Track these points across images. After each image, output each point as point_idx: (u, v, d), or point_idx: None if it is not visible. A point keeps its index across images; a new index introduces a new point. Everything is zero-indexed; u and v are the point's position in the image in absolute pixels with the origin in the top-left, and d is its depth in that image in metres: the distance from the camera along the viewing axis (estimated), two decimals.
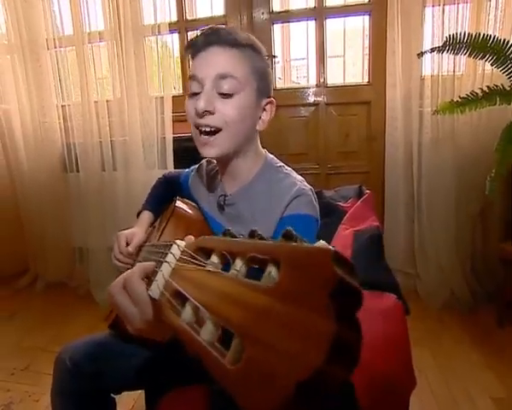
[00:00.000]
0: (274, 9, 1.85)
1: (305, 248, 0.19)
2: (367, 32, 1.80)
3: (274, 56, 1.89)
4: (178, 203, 0.85)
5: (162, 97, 1.67)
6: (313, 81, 1.85)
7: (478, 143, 1.44)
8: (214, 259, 0.29)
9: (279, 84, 2.47)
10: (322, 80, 1.82)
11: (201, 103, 0.66)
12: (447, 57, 1.51)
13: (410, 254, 1.69)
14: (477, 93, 1.20)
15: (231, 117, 0.67)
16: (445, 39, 1.29)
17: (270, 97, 0.73)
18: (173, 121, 1.66)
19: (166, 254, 0.36)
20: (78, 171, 1.82)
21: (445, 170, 1.52)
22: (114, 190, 1.79)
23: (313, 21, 1.82)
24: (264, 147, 0.81)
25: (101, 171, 1.79)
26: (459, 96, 1.23)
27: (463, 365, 1.25)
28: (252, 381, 0.18)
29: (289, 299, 0.18)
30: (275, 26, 1.89)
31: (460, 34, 1.24)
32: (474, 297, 1.59)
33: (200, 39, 0.69)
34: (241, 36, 0.68)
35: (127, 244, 0.85)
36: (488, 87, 1.20)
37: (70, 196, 1.87)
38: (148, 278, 0.38)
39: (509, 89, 1.17)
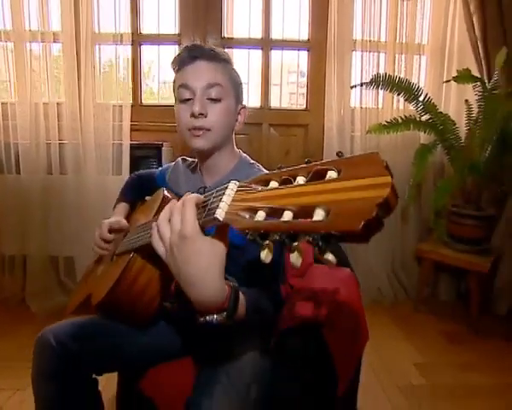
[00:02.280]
0: (224, 35, 2.08)
1: (359, 155, 0.37)
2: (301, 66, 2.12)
3: None
4: (166, 193, 0.95)
5: (121, 105, 1.75)
6: (254, 104, 2.10)
7: (397, 160, 1.82)
8: (273, 184, 0.45)
9: None
10: (266, 103, 2.08)
11: (197, 108, 0.81)
12: (371, 93, 1.89)
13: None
14: (397, 119, 1.56)
15: (219, 119, 0.84)
16: (371, 77, 1.65)
17: (242, 104, 0.91)
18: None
19: (220, 193, 0.50)
20: (18, 173, 1.74)
21: None
22: (62, 194, 1.75)
23: (257, 50, 2.09)
24: None
25: (46, 174, 1.75)
26: (385, 121, 1.59)
27: (390, 341, 1.54)
28: (344, 216, 0.34)
29: (354, 177, 0.35)
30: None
31: (382, 74, 1.61)
32: (394, 294, 1.93)
33: (186, 54, 0.85)
34: (219, 51, 0.87)
35: (110, 232, 0.93)
36: (405, 116, 1.57)
37: (5, 199, 1.77)
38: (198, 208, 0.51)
39: (419, 119, 1.55)
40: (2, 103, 1.76)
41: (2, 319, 1.69)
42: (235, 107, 0.88)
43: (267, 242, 0.43)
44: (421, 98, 1.59)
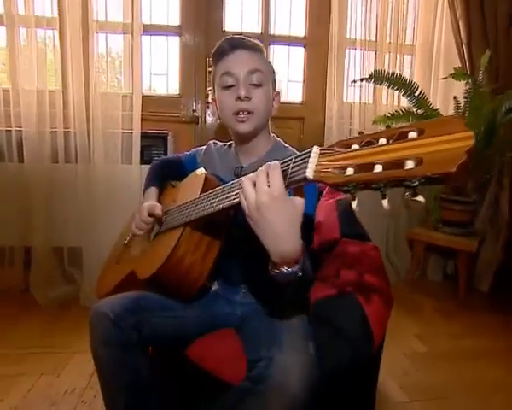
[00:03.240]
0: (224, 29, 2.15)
1: (439, 118, 0.47)
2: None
3: None
4: (206, 172, 1.01)
5: (131, 96, 1.78)
6: None
7: None
8: (355, 147, 0.54)
9: None
10: None
11: (243, 92, 0.90)
12: (365, 89, 2.03)
13: None
14: (399, 112, 1.71)
15: (260, 103, 0.93)
16: (370, 73, 1.79)
17: (276, 90, 1.00)
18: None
19: (303, 157, 0.58)
20: (21, 161, 1.73)
21: None
22: (67, 183, 1.76)
23: None
24: None
25: (51, 163, 1.75)
26: (389, 113, 1.73)
27: (391, 317, 1.67)
28: (438, 162, 0.44)
29: (438, 134, 0.46)
30: None
31: (382, 71, 1.75)
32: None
33: (227, 45, 0.94)
34: (256, 42, 0.96)
35: (149, 215, 0.98)
36: (406, 109, 1.72)
37: (6, 188, 1.75)
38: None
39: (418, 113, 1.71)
40: (3, 90, 1.74)
41: (9, 310, 1.68)
42: (272, 92, 0.97)
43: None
44: (416, 93, 1.75)
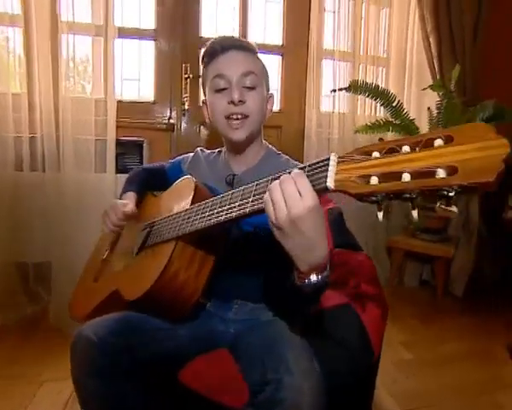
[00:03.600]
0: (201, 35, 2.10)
1: (466, 124, 0.46)
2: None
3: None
4: (195, 181, 0.95)
5: (104, 100, 1.68)
6: None
7: None
8: (376, 154, 0.52)
9: None
10: None
11: (237, 95, 0.85)
12: (342, 99, 2.07)
13: None
14: (379, 122, 1.74)
15: (255, 106, 0.89)
16: (349, 83, 1.81)
17: (269, 92, 0.96)
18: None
19: (320, 165, 0.55)
20: None
21: None
22: (33, 193, 1.62)
23: None
24: None
25: (14, 170, 1.61)
26: (370, 123, 1.76)
27: None
28: (475, 171, 0.42)
29: (468, 142, 0.44)
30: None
31: (361, 81, 1.78)
32: None
33: (218, 46, 0.90)
34: (247, 42, 0.93)
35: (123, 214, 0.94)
36: (386, 119, 1.76)
37: None
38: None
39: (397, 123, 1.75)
40: None
41: None
42: (265, 94, 0.93)
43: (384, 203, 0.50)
44: (394, 104, 1.80)
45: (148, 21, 2.01)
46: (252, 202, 0.63)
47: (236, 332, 0.91)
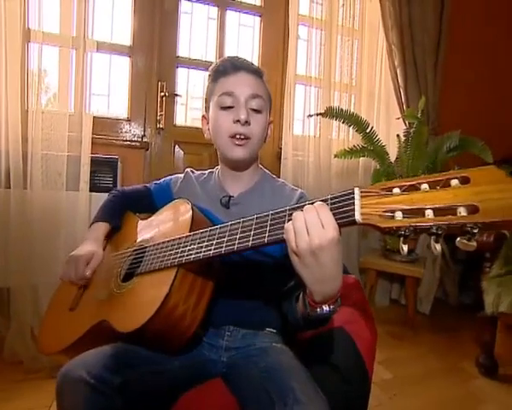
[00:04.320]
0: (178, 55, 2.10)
1: (479, 168, 0.50)
2: None
3: (177, 95, 2.11)
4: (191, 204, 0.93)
5: (80, 114, 1.61)
6: None
7: (344, 182, 2.09)
8: (396, 190, 0.55)
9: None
10: None
11: (243, 115, 0.86)
12: (312, 124, 2.15)
13: None
14: (356, 147, 1.82)
15: (258, 130, 0.90)
16: (325, 109, 1.89)
17: (270, 118, 0.98)
18: None
19: (345, 199, 0.57)
20: None
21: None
22: None
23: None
24: None
25: None
26: (348, 148, 1.83)
27: None
28: (495, 210, 0.46)
29: (484, 183, 0.48)
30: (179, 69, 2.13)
31: (336, 107, 1.86)
32: None
33: (231, 64, 0.91)
34: (257, 67, 0.95)
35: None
36: (362, 145, 1.84)
37: None
38: None
39: (370, 148, 1.85)
40: None
41: None
42: (267, 120, 0.94)
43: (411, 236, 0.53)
44: (367, 130, 1.90)
45: (120, 37, 1.97)
46: (269, 231, 0.63)
47: (229, 361, 0.89)
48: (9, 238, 1.53)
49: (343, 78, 2.22)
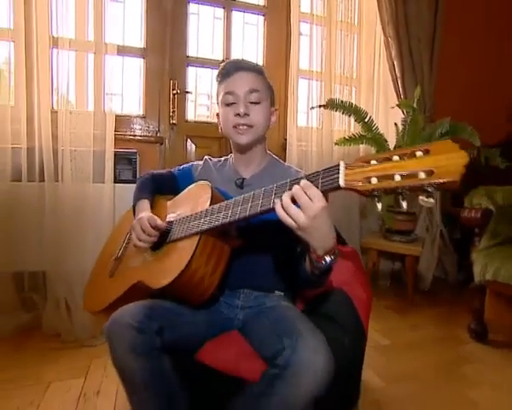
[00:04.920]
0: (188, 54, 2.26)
1: (440, 141, 0.66)
2: None
3: (188, 92, 2.27)
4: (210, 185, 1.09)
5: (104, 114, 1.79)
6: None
7: None
8: (373, 162, 0.70)
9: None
10: None
11: (242, 109, 1.03)
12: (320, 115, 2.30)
13: None
14: (355, 136, 1.97)
15: (258, 119, 1.07)
16: (326, 101, 2.04)
17: (274, 106, 1.14)
18: None
19: (332, 170, 0.73)
20: None
21: None
22: (30, 203, 1.68)
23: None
24: None
25: (10, 181, 1.66)
26: (347, 136, 1.98)
27: None
28: (446, 173, 0.61)
29: (442, 153, 0.63)
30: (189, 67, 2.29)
31: (337, 99, 2.01)
32: None
33: (231, 66, 1.08)
34: (255, 65, 1.11)
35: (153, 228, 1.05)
36: (360, 134, 1.99)
37: None
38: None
39: (369, 136, 1.99)
40: None
41: None
42: (269, 108, 1.10)
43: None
44: (366, 119, 2.04)
45: (132, 40, 2.12)
46: (275, 197, 0.79)
47: (244, 318, 1.06)
48: (44, 227, 1.72)
49: (343, 71, 2.36)
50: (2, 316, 1.65)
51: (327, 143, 2.24)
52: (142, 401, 0.82)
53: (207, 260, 0.95)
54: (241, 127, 1.05)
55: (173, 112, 2.18)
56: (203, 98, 2.52)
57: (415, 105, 2.07)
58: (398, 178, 0.66)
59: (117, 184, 1.81)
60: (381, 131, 2.17)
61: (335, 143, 2.09)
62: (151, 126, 2.17)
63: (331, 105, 2.02)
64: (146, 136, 2.13)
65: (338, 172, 0.72)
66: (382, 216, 2.09)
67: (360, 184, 0.69)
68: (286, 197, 0.74)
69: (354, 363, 1.11)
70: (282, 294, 1.11)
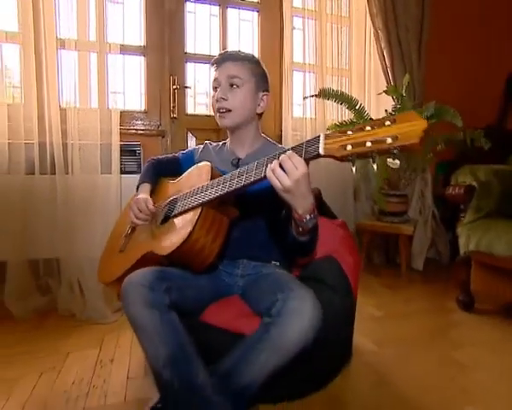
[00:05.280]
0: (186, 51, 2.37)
1: (404, 112, 0.77)
2: None
3: (187, 87, 2.39)
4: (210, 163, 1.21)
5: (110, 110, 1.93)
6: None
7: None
8: (349, 132, 0.82)
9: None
10: None
11: (219, 94, 1.16)
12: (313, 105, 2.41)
13: None
14: (346, 122, 2.08)
15: (235, 103, 1.17)
16: (319, 90, 2.15)
17: (266, 91, 1.22)
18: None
19: (314, 141, 0.84)
20: None
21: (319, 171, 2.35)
22: (42, 195, 1.81)
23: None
24: None
25: (24, 174, 1.78)
26: (338, 122, 2.09)
27: None
28: (408, 137, 0.72)
29: (405, 121, 0.75)
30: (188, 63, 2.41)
31: (328, 88, 2.12)
32: None
33: (220, 56, 1.21)
34: (243, 54, 1.22)
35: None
36: (351, 120, 2.10)
37: None
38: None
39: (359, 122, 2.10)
40: None
41: None
42: (254, 93, 1.18)
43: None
44: (357, 107, 2.15)
45: (132, 39, 2.23)
46: (264, 171, 0.91)
47: (244, 284, 1.19)
48: (56, 216, 1.84)
49: (335, 62, 2.47)
50: (21, 301, 1.77)
51: (320, 132, 2.35)
52: (154, 347, 0.93)
53: (208, 231, 1.07)
54: (220, 113, 1.17)
55: (174, 106, 2.30)
56: (202, 92, 2.63)
57: (403, 92, 2.17)
58: (369, 144, 0.78)
59: (123, 175, 1.94)
60: (373, 118, 2.28)
61: (327, 129, 2.20)
62: (153, 121, 2.29)
63: (323, 94, 2.13)
64: (148, 130, 2.25)
65: (318, 143, 0.84)
66: (375, 198, 2.20)
67: (337, 151, 0.81)
68: (274, 163, 0.87)
69: (345, 321, 1.23)
70: (278, 263, 1.23)
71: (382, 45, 2.40)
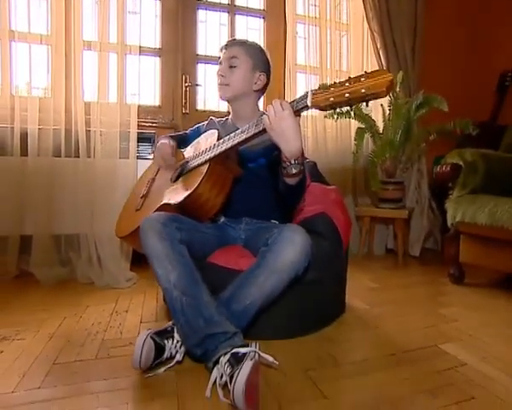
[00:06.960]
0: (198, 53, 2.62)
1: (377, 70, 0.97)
2: None
3: (198, 85, 2.63)
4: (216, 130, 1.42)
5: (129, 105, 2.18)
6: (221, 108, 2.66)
7: (339, 141, 2.58)
8: (332, 89, 1.01)
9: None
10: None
11: (220, 71, 1.41)
12: None
13: None
14: (342, 111, 2.29)
15: (232, 79, 1.41)
16: (319, 85, 2.36)
17: (263, 71, 1.44)
18: None
19: (303, 97, 1.04)
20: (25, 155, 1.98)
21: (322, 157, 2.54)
22: (66, 176, 2.03)
23: None
24: None
25: (51, 156, 2.01)
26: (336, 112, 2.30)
27: (351, 274, 2.15)
28: (376, 88, 0.92)
29: (376, 76, 0.94)
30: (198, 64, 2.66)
31: (325, 84, 2.33)
32: None
33: (226, 42, 1.46)
34: (245, 39, 1.47)
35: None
36: (348, 110, 2.30)
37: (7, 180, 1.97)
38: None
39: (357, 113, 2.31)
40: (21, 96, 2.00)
41: (5, 289, 1.82)
42: (251, 72, 1.41)
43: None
44: None
45: (148, 42, 2.49)
46: (263, 126, 1.11)
47: (246, 237, 1.38)
48: (78, 196, 2.06)
49: (335, 64, 2.70)
50: (44, 269, 1.97)
51: (320, 127, 2.58)
52: (167, 271, 1.10)
53: (212, 185, 1.27)
54: (220, 86, 1.41)
55: (185, 102, 2.54)
56: (211, 90, 2.87)
57: (397, 89, 2.38)
58: (347, 95, 0.98)
59: (139, 160, 2.16)
60: (370, 109, 2.49)
61: (324, 116, 2.41)
62: (166, 115, 2.52)
63: (323, 88, 2.33)
64: (162, 123, 2.48)
65: (307, 98, 1.04)
66: (371, 184, 2.36)
67: (322, 102, 1.01)
68: (269, 107, 1.07)
69: (335, 267, 1.40)
70: (277, 222, 1.41)
71: (378, 46, 2.62)
